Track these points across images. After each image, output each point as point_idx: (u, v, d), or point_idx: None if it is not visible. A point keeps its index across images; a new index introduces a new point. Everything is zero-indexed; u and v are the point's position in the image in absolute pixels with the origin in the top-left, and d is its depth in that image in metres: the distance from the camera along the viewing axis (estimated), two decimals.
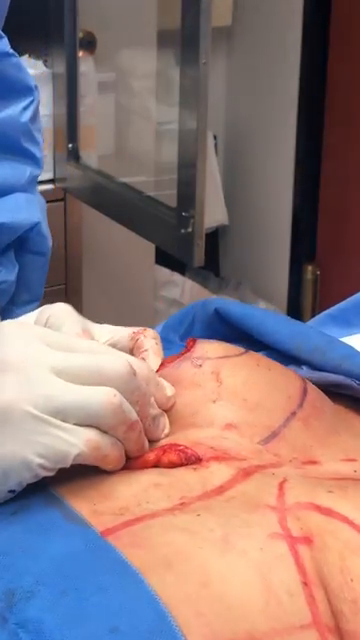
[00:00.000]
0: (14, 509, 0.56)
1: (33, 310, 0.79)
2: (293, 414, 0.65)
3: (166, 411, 0.64)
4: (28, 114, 0.91)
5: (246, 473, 0.59)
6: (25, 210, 0.91)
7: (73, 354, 0.58)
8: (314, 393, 0.68)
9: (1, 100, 0.89)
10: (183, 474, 0.59)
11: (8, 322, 0.62)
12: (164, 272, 2.61)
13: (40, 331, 0.60)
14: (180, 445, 0.61)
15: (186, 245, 1.75)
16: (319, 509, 0.55)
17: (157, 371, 0.67)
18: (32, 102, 0.91)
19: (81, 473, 0.58)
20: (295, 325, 0.79)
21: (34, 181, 0.93)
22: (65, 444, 0.55)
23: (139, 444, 0.60)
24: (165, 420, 0.63)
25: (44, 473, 0.55)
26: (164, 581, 0.50)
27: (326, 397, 0.69)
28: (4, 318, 0.84)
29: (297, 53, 2.58)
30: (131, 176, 2.09)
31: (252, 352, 0.69)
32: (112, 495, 0.57)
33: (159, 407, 0.63)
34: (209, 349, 0.68)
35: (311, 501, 0.56)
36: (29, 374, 0.56)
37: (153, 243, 2.16)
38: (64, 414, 0.55)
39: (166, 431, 0.63)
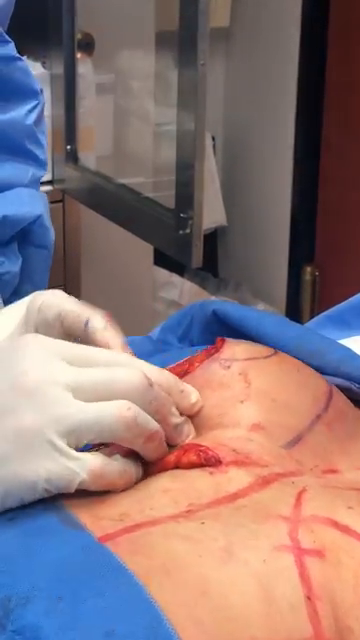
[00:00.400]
0: (12, 515, 0.56)
1: None
2: (318, 417, 0.65)
3: (192, 416, 0.64)
4: (33, 117, 0.92)
5: (265, 481, 0.59)
6: (28, 203, 0.92)
7: (88, 370, 0.58)
8: (338, 397, 0.68)
9: (6, 103, 0.91)
10: (197, 479, 0.59)
11: (27, 337, 0.61)
12: (163, 273, 2.61)
13: (59, 347, 0.60)
14: (202, 446, 0.61)
15: (184, 246, 1.75)
16: (336, 525, 0.55)
17: (187, 372, 0.67)
18: (37, 105, 0.93)
19: None
20: (294, 327, 0.79)
21: (37, 182, 0.94)
22: (70, 473, 0.55)
23: (159, 452, 0.60)
24: (189, 427, 0.63)
25: (46, 495, 0.56)
26: (162, 587, 0.49)
27: (349, 402, 0.69)
28: None
29: (295, 54, 2.58)
30: (130, 177, 2.09)
31: (281, 353, 0.69)
32: (115, 500, 0.57)
33: (184, 413, 0.63)
34: (237, 350, 0.68)
35: (329, 516, 0.55)
36: (44, 395, 0.56)
37: (151, 244, 2.16)
38: (78, 433, 0.56)
39: (191, 437, 0.63)
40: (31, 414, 0.55)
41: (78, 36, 2.04)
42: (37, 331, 0.65)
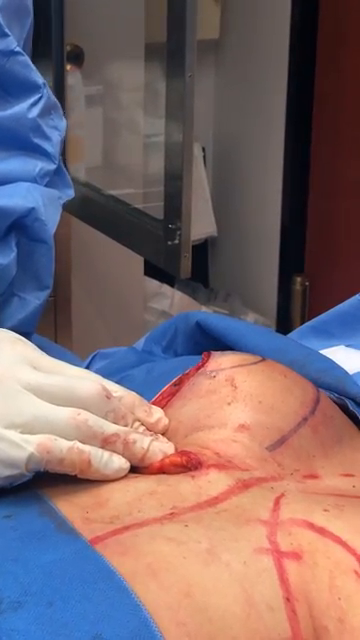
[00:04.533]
0: (8, 512, 0.57)
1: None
2: (305, 419, 0.66)
3: (164, 433, 0.65)
4: (36, 110, 0.92)
5: (245, 485, 0.60)
6: (22, 196, 0.92)
7: (51, 376, 0.61)
8: (326, 402, 0.68)
9: (9, 97, 0.91)
10: (181, 483, 0.60)
11: (3, 336, 0.64)
12: (153, 284, 2.62)
13: (30, 354, 0.63)
14: (185, 450, 0.62)
15: (173, 257, 1.76)
16: (312, 527, 0.56)
17: (176, 390, 0.69)
18: (41, 98, 0.93)
19: (79, 480, 0.59)
20: (275, 338, 0.79)
21: (46, 176, 0.94)
22: (17, 449, 0.57)
23: (135, 457, 0.61)
24: (160, 445, 0.63)
25: (8, 482, 0.58)
26: (148, 589, 0.50)
27: (337, 408, 0.70)
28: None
29: (285, 66, 2.59)
30: (119, 188, 2.10)
31: (269, 360, 0.70)
32: (106, 503, 0.58)
33: (151, 430, 0.65)
34: (223, 361, 0.69)
35: (305, 519, 0.56)
36: (6, 389, 0.59)
37: (141, 255, 2.16)
38: (30, 428, 0.58)
39: (166, 452, 0.63)
40: None
41: (67, 48, 2.05)
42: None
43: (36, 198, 0.92)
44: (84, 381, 0.62)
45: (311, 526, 0.56)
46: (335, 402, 0.70)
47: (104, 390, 0.61)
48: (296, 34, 2.57)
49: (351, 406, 0.70)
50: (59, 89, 2.03)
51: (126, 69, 2.26)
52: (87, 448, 0.59)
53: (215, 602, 0.50)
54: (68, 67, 2.06)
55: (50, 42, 2.00)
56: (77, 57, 2.13)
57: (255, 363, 0.69)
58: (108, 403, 0.61)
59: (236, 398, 0.66)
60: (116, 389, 0.64)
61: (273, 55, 2.61)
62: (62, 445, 0.58)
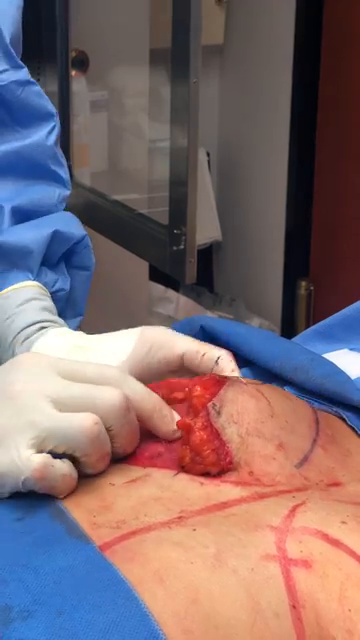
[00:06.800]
0: (21, 514, 0.58)
1: (76, 324, 0.92)
2: (314, 441, 0.66)
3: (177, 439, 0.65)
4: (53, 138, 0.95)
5: (260, 496, 0.60)
6: (74, 224, 0.96)
7: (73, 385, 0.62)
8: (324, 420, 0.69)
9: (28, 127, 0.94)
10: (188, 490, 0.60)
11: (23, 354, 0.67)
12: (158, 288, 2.62)
13: (53, 360, 0.64)
14: (224, 444, 0.62)
15: (178, 262, 1.76)
16: (326, 538, 0.56)
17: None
18: (55, 127, 0.96)
19: (85, 483, 0.60)
20: (279, 343, 0.79)
21: (63, 202, 0.97)
22: (16, 470, 0.59)
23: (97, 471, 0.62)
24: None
25: (14, 490, 0.59)
26: (155, 596, 0.50)
27: (334, 422, 0.70)
28: None
29: (289, 70, 2.59)
30: (124, 194, 2.10)
31: (269, 385, 0.70)
32: (112, 506, 0.58)
33: (163, 438, 0.65)
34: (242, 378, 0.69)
35: (321, 529, 0.56)
36: (23, 402, 0.60)
37: (146, 260, 2.17)
38: (44, 438, 0.59)
39: None
40: (6, 417, 0.60)
41: (72, 54, 2.06)
42: (149, 368, 0.74)
43: (81, 227, 0.95)
44: (108, 390, 0.62)
45: (325, 537, 0.56)
46: (333, 415, 0.71)
47: (125, 401, 0.62)
48: (300, 39, 2.57)
49: (349, 420, 0.71)
50: (64, 95, 2.03)
51: (131, 75, 2.27)
52: (75, 475, 0.60)
53: (221, 609, 0.51)
54: (73, 73, 2.06)
55: (55, 48, 2.00)
56: (82, 63, 2.14)
57: (263, 384, 0.69)
58: (126, 415, 0.62)
59: (275, 413, 0.65)
60: (138, 390, 0.64)
61: (277, 60, 2.61)
62: (56, 474, 0.59)
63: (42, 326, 0.84)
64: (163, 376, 0.75)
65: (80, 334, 0.84)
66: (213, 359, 0.72)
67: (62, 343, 0.82)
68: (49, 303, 0.88)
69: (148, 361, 0.75)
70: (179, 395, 0.67)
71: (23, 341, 0.83)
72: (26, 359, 0.64)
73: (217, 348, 0.73)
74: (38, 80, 2.08)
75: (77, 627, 0.48)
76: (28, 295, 0.87)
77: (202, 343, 0.73)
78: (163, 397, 0.66)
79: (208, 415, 0.63)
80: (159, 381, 0.70)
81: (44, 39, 2.03)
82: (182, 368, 0.74)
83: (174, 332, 0.76)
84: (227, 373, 0.71)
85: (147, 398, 0.64)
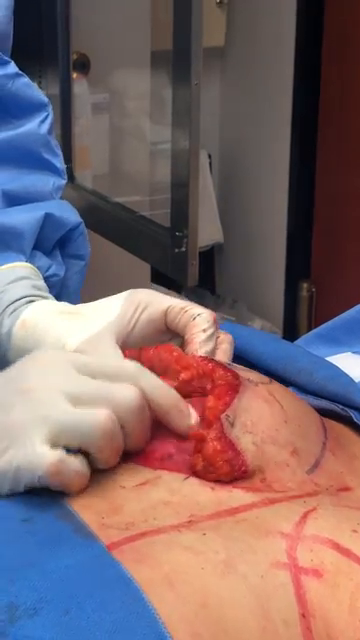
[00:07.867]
0: (27, 515, 0.57)
1: None
2: (324, 444, 0.66)
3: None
4: (45, 127, 0.95)
5: (271, 501, 0.60)
6: (69, 210, 0.95)
7: (89, 381, 0.61)
8: (329, 423, 0.69)
9: (11, 119, 0.94)
10: (198, 494, 0.59)
11: (42, 350, 0.67)
12: (160, 291, 2.62)
13: (70, 356, 0.64)
14: (238, 453, 0.61)
15: (180, 265, 1.76)
16: (338, 547, 0.56)
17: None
18: (47, 116, 0.96)
19: (95, 486, 0.59)
20: (282, 346, 0.79)
21: (58, 190, 0.96)
22: (32, 467, 0.58)
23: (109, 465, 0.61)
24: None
25: (29, 486, 0.58)
26: (164, 599, 0.50)
27: (339, 424, 0.70)
28: None
29: (290, 72, 2.59)
30: (126, 196, 2.10)
31: (279, 384, 0.69)
32: (121, 509, 0.58)
33: (177, 432, 0.63)
34: (250, 375, 0.68)
35: (332, 538, 0.56)
36: (37, 397, 0.59)
37: (148, 263, 2.17)
38: (58, 433, 0.58)
39: None
40: (21, 412, 0.59)
41: (73, 56, 2.06)
42: (135, 327, 0.75)
43: (77, 214, 0.94)
44: (125, 387, 0.61)
45: (337, 546, 0.56)
46: (340, 414, 0.71)
47: (141, 399, 0.61)
48: (301, 41, 2.57)
49: (355, 418, 0.70)
50: (65, 97, 2.04)
51: (132, 77, 2.27)
52: (88, 473, 0.59)
53: (231, 614, 0.50)
54: (74, 75, 2.06)
55: (56, 50, 2.01)
56: (83, 65, 2.14)
57: (270, 383, 0.68)
58: (142, 413, 0.61)
59: (289, 418, 0.64)
60: (156, 385, 0.63)
61: (278, 62, 2.61)
62: (70, 470, 0.58)
63: (31, 300, 0.84)
64: (152, 339, 0.75)
65: (67, 304, 0.83)
66: (193, 315, 0.72)
67: (51, 309, 0.81)
68: (41, 283, 0.88)
69: (135, 320, 0.75)
70: (186, 375, 0.66)
71: (11, 313, 0.82)
72: (42, 355, 0.64)
73: (202, 308, 0.73)
74: (39, 83, 2.08)
75: (84, 625, 0.48)
76: (19, 274, 0.87)
77: (189, 302, 0.74)
78: (167, 367, 0.66)
79: (222, 427, 0.62)
80: (150, 346, 0.70)
81: (45, 42, 2.03)
82: (169, 330, 0.74)
83: (163, 294, 0.76)
84: (197, 330, 0.71)
85: (165, 393, 0.63)
